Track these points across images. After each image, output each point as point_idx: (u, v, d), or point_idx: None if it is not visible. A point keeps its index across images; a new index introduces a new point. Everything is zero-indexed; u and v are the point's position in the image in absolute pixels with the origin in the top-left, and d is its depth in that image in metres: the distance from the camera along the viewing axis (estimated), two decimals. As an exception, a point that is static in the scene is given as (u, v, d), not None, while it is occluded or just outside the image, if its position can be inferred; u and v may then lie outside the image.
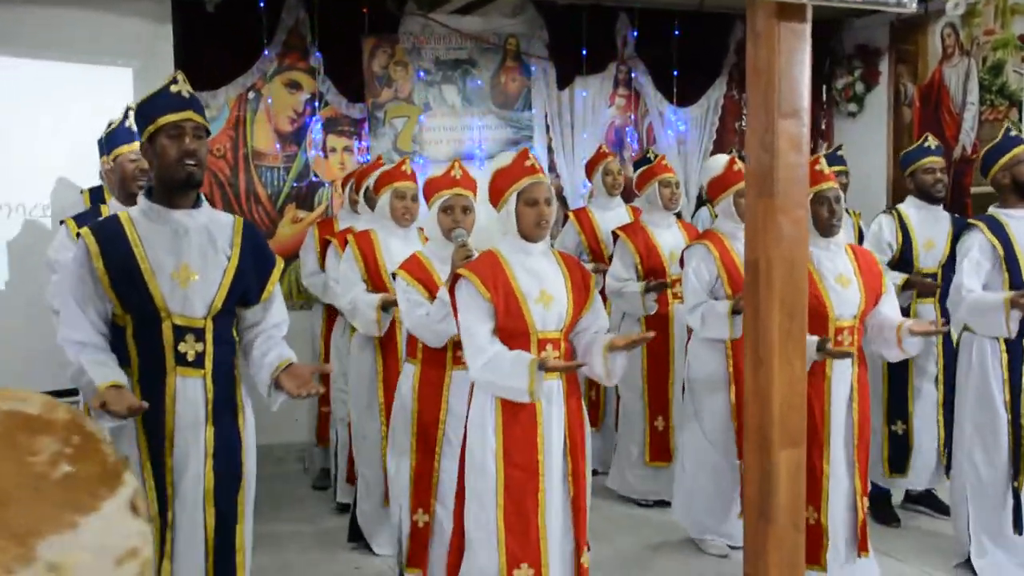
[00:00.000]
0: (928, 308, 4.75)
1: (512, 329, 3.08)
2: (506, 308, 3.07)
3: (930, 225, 4.80)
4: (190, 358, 2.71)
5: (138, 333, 2.70)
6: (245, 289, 2.84)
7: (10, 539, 1.28)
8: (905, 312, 4.65)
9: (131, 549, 1.43)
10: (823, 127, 7.55)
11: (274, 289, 2.94)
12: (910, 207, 4.86)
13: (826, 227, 3.70)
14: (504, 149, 6.48)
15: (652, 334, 3.15)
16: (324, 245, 5.08)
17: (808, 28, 2.89)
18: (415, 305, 3.58)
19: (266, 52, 5.89)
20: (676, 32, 6.75)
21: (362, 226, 4.56)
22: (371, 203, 4.75)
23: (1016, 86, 5.98)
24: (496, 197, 3.23)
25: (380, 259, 4.13)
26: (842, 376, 3.63)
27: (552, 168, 6.73)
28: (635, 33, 6.81)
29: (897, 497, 4.99)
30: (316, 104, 6.11)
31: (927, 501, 4.94)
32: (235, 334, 2.90)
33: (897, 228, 4.79)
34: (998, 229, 4.00)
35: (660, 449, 5.08)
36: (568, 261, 3.28)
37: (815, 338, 3.45)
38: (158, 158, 2.73)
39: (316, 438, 5.63)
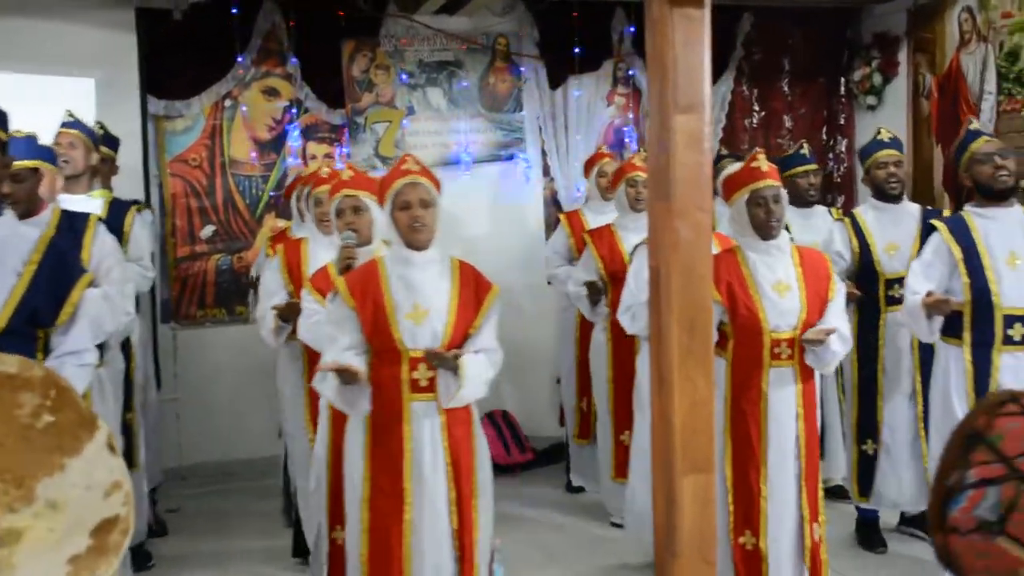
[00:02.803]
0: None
1: (380, 345, 2.91)
2: (373, 321, 2.90)
3: (891, 226, 4.43)
4: None
5: None
6: (34, 309, 2.61)
7: (10, 483, 1.48)
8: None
9: (115, 482, 1.58)
10: (842, 122, 7.16)
11: (75, 311, 2.70)
12: (868, 209, 4.52)
13: (764, 229, 3.38)
14: (494, 152, 6.30)
15: (456, 352, 2.89)
16: None
17: (707, 14, 2.62)
18: (311, 314, 3.44)
19: (240, 59, 5.76)
20: (677, 26, 6.42)
21: (299, 235, 4.42)
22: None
23: (1033, 73, 5.54)
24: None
25: (305, 269, 3.96)
26: (783, 392, 3.33)
27: (546, 171, 6.50)
28: (632, 28, 6.52)
29: (892, 520, 4.64)
30: (295, 111, 5.97)
31: (920, 523, 4.55)
32: (40, 358, 2.67)
33: (852, 235, 4.44)
34: (961, 230, 3.69)
35: (626, 464, 4.73)
36: (464, 275, 3.05)
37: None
38: None
39: None
